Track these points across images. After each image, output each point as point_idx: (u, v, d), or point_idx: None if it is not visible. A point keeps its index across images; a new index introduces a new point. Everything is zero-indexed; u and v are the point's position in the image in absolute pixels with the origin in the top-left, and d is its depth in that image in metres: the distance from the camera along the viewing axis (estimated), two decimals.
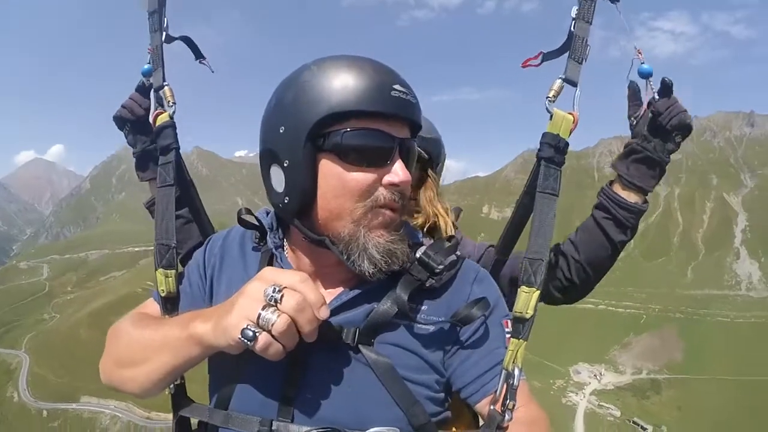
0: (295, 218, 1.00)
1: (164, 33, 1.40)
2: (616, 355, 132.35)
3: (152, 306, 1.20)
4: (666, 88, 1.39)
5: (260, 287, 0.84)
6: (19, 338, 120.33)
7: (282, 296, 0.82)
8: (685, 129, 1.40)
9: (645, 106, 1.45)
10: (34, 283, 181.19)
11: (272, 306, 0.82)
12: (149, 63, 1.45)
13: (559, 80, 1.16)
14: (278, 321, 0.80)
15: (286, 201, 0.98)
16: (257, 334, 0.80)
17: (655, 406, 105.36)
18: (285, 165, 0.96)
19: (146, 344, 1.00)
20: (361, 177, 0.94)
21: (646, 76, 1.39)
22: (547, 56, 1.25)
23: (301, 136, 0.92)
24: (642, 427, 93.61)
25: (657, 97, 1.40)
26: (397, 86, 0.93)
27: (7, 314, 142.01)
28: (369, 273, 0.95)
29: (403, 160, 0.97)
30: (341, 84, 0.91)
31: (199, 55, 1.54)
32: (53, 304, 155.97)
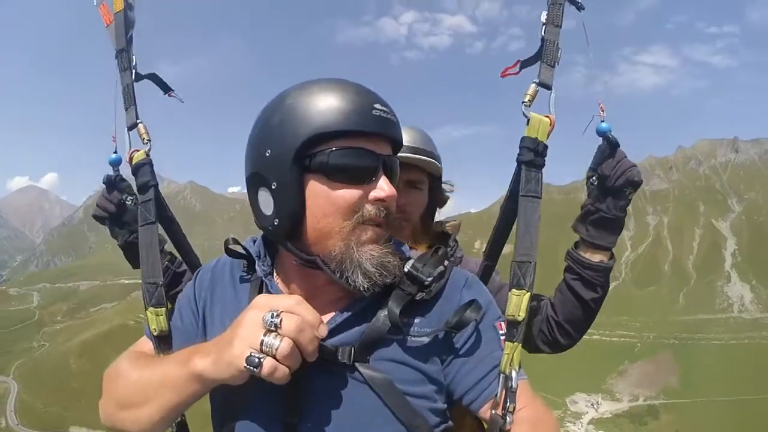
0: (285, 240, 1.01)
1: (133, 71, 1.40)
2: (613, 383, 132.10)
3: (147, 343, 1.20)
4: (612, 147, 1.42)
5: (258, 315, 0.86)
6: (8, 365, 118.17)
7: (281, 320, 0.83)
8: (634, 185, 1.43)
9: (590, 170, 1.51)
10: (24, 310, 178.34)
11: (272, 331, 0.83)
12: (115, 152, 1.46)
13: (534, 84, 1.19)
14: (282, 344, 0.81)
15: (275, 223, 1.00)
16: (262, 360, 0.81)
17: None
18: (273, 187, 0.97)
19: (146, 385, 0.99)
20: (348, 194, 0.96)
21: (602, 133, 1.42)
22: (525, 64, 1.27)
23: (288, 158, 0.94)
24: None
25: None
26: (377, 105, 0.97)
27: None
28: (364, 287, 0.96)
29: (387, 176, 1.00)
30: (325, 105, 0.94)
31: (166, 89, 1.56)
32: (42, 332, 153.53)
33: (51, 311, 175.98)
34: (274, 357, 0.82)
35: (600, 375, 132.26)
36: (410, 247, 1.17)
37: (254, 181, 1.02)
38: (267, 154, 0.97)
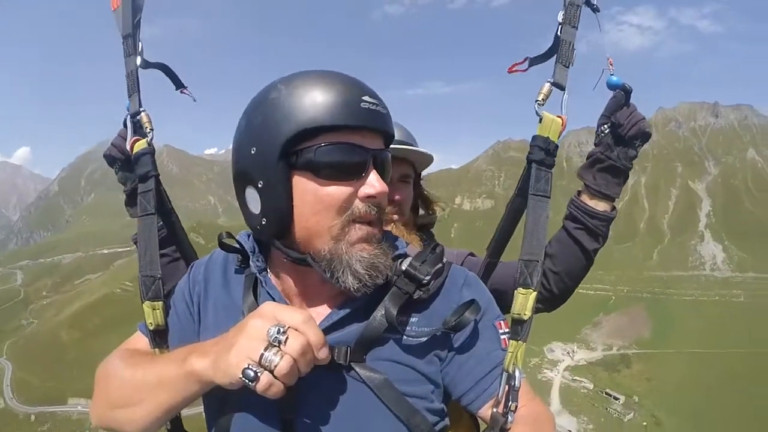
0: (274, 239, 0.99)
1: (139, 58, 1.37)
2: (588, 333, 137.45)
3: (140, 340, 1.17)
4: (627, 97, 1.43)
5: (263, 326, 0.82)
6: None
7: (287, 338, 0.80)
8: (645, 136, 1.45)
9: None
10: (8, 289, 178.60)
11: (275, 347, 0.79)
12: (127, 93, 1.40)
13: (548, 84, 1.18)
14: (282, 363, 0.78)
15: (263, 222, 0.97)
16: (259, 374, 0.78)
17: (626, 379, 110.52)
18: (259, 186, 0.94)
19: (141, 384, 0.96)
20: (337, 191, 0.92)
21: (614, 87, 1.42)
22: (534, 61, 1.27)
23: (274, 156, 0.91)
24: (614, 398, 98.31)
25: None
26: (366, 98, 0.92)
27: None
28: (354, 288, 0.93)
29: (378, 171, 0.96)
30: (310, 100, 0.90)
31: (179, 84, 1.51)
32: (30, 309, 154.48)
33: (36, 287, 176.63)
34: (271, 373, 0.78)
35: (576, 325, 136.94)
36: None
37: (241, 180, 0.99)
38: (252, 152, 0.94)
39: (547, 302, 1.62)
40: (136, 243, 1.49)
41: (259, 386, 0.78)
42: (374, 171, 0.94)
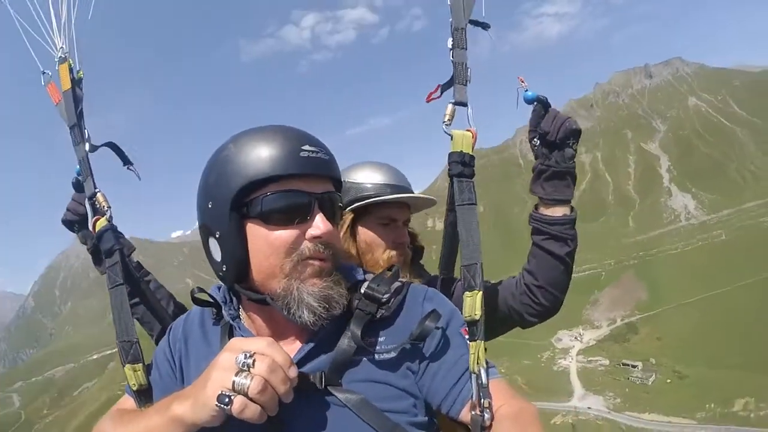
0: (235, 283, 1.06)
1: (87, 143, 1.44)
2: (589, 313, 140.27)
3: (128, 401, 1.23)
4: (545, 106, 1.52)
5: (231, 357, 0.88)
6: None
7: (253, 361, 0.85)
8: (575, 134, 1.51)
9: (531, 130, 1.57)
10: (8, 414, 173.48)
11: (245, 371, 0.85)
12: (81, 178, 1.48)
13: (450, 105, 1.27)
14: (253, 383, 0.83)
15: (224, 269, 1.04)
16: (232, 398, 0.83)
17: (638, 345, 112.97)
18: (217, 236, 1.02)
19: None
20: (285, 234, 0.99)
21: (531, 101, 1.51)
22: (444, 87, 1.33)
23: (226, 209, 0.99)
24: (632, 366, 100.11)
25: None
26: (305, 147, 1.00)
27: None
28: (310, 322, 0.98)
29: (326, 212, 1.02)
30: (255, 155, 0.98)
31: (126, 161, 1.58)
32: (35, 430, 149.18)
33: (35, 407, 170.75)
34: (245, 395, 0.84)
35: (575, 309, 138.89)
36: (365, 271, 1.21)
37: (204, 232, 1.07)
38: (209, 206, 1.03)
39: (541, 315, 1.67)
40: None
41: (234, 408, 0.83)
42: (320, 213, 1.01)
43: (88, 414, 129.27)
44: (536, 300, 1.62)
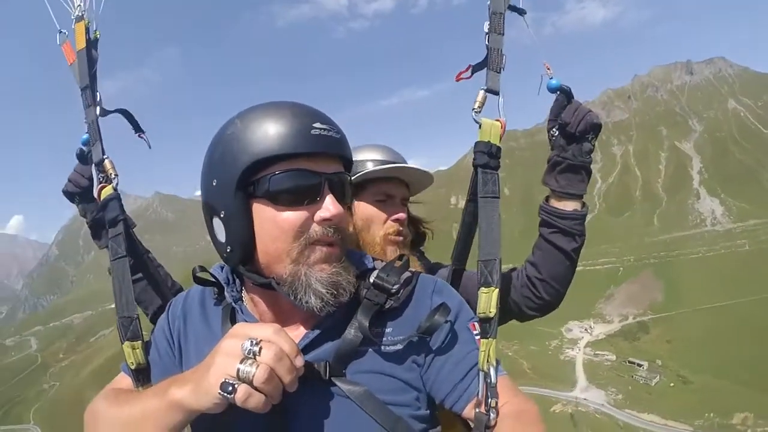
0: (240, 265, 1.03)
1: (99, 107, 1.42)
2: (602, 307, 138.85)
3: (124, 380, 1.19)
4: (568, 97, 1.47)
5: (236, 343, 0.85)
6: (25, 412, 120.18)
7: (260, 348, 0.83)
8: (595, 128, 1.47)
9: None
10: (25, 357, 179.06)
11: (250, 359, 0.82)
12: (87, 132, 1.46)
13: (482, 91, 1.23)
14: (258, 372, 0.81)
15: (229, 250, 1.01)
16: (236, 386, 0.81)
17: (646, 345, 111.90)
18: (222, 216, 0.99)
19: (126, 421, 0.98)
20: (293, 216, 0.96)
21: (554, 90, 1.46)
22: (476, 68, 1.30)
23: (232, 187, 0.96)
24: (638, 364, 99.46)
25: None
26: (317, 125, 0.96)
27: (5, 392, 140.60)
28: (317, 308, 0.96)
29: (336, 194, 0.99)
30: (263, 132, 0.95)
31: (137, 128, 1.56)
32: (50, 373, 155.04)
33: (52, 351, 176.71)
34: (250, 384, 0.81)
35: (589, 302, 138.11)
36: (374, 259, 1.18)
37: (207, 211, 1.04)
38: (214, 185, 0.99)
39: (540, 309, 1.64)
40: (109, 272, 1.52)
41: (238, 397, 0.80)
42: (330, 194, 0.98)
43: (104, 359, 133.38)
44: (537, 293, 1.60)
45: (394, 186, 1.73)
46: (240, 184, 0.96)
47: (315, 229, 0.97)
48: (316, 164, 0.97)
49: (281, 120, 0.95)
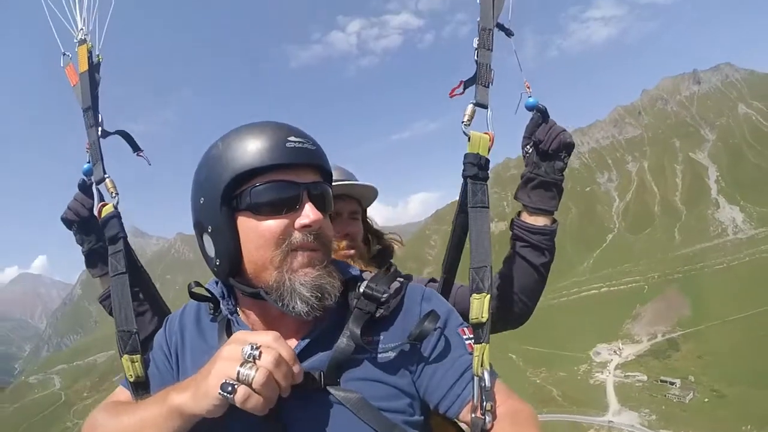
0: (229, 278, 1.06)
1: (100, 128, 1.46)
2: (630, 328, 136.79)
3: (123, 394, 1.21)
4: (543, 116, 1.52)
5: (236, 348, 0.88)
6: None
7: (260, 353, 0.86)
8: (568, 147, 1.52)
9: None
10: (48, 395, 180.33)
11: (250, 362, 0.85)
12: (89, 162, 1.49)
13: (471, 105, 1.27)
14: (258, 374, 0.83)
15: (218, 263, 1.05)
16: (236, 387, 0.83)
17: (678, 362, 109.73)
18: (209, 231, 1.04)
19: (125, 430, 1.00)
20: (274, 224, 0.99)
21: (531, 108, 1.51)
22: (468, 83, 1.33)
23: (217, 202, 1.00)
24: (670, 383, 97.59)
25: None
26: (291, 138, 1.01)
27: (29, 428, 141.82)
28: (304, 313, 0.98)
29: (315, 203, 1.02)
30: (242, 149, 1.00)
31: (136, 148, 1.60)
32: (74, 411, 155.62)
33: (76, 390, 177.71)
34: (249, 386, 0.84)
35: (616, 323, 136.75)
36: (362, 270, 1.22)
37: (198, 228, 1.08)
38: (201, 202, 1.04)
39: (509, 322, 1.67)
40: (102, 302, 1.58)
41: (237, 397, 0.83)
42: (309, 203, 1.01)
43: None
44: (506, 306, 1.62)
45: (341, 203, 1.81)
46: (224, 199, 1.00)
47: (296, 236, 1.00)
48: (295, 175, 1.01)
49: (258, 136, 1.00)
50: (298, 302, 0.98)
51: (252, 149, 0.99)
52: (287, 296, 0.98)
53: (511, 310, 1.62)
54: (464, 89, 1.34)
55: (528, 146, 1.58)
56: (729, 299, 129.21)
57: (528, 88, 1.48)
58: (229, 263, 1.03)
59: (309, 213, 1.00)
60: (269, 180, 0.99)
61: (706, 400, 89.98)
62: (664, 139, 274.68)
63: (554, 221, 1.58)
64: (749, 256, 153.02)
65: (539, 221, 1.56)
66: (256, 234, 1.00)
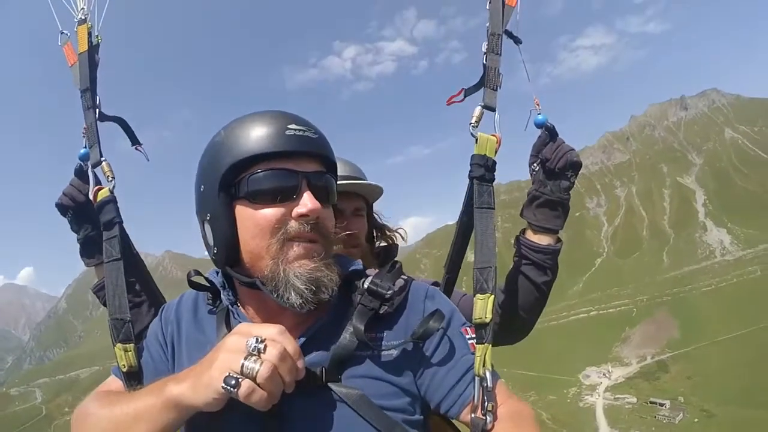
0: (226, 266, 1.05)
1: (97, 111, 1.43)
2: (619, 350, 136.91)
3: (114, 383, 1.18)
4: (551, 134, 1.52)
5: (241, 340, 0.86)
6: None
7: (265, 346, 0.84)
8: (575, 166, 1.51)
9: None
10: (29, 408, 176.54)
11: (254, 355, 0.83)
12: (85, 147, 1.45)
13: (479, 107, 1.28)
14: (262, 368, 0.82)
15: (215, 251, 1.04)
16: (240, 380, 0.81)
17: (667, 383, 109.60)
18: (208, 218, 1.03)
19: (118, 421, 0.95)
20: (270, 213, 0.98)
21: (540, 126, 1.51)
22: (469, 91, 1.34)
23: (215, 189, 1.00)
24: (659, 404, 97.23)
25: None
26: (292, 125, 0.99)
27: None
28: (297, 305, 0.96)
29: (315, 193, 1.00)
30: (242, 137, 0.99)
31: (134, 141, 1.56)
32: (54, 425, 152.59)
33: (57, 404, 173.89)
34: (253, 380, 0.82)
35: (605, 346, 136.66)
36: (366, 266, 1.19)
37: (199, 216, 1.08)
38: (202, 190, 1.04)
39: (508, 338, 1.67)
40: (96, 293, 1.53)
41: (241, 391, 0.81)
42: (308, 192, 0.99)
43: None
44: (506, 322, 1.61)
45: (344, 200, 1.77)
46: (222, 186, 0.99)
47: (292, 225, 0.98)
48: (295, 163, 0.99)
49: (258, 124, 1.00)
50: (293, 294, 0.96)
51: (251, 136, 0.98)
52: (282, 287, 0.96)
53: (511, 325, 1.63)
54: (465, 97, 1.34)
55: (535, 164, 1.57)
56: (717, 320, 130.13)
57: (538, 105, 1.48)
58: (226, 252, 1.02)
59: (307, 202, 0.98)
60: (267, 168, 0.98)
61: (696, 420, 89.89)
62: (652, 164, 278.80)
63: (558, 240, 1.57)
64: (737, 278, 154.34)
65: (543, 240, 1.55)
66: (253, 222, 0.99)
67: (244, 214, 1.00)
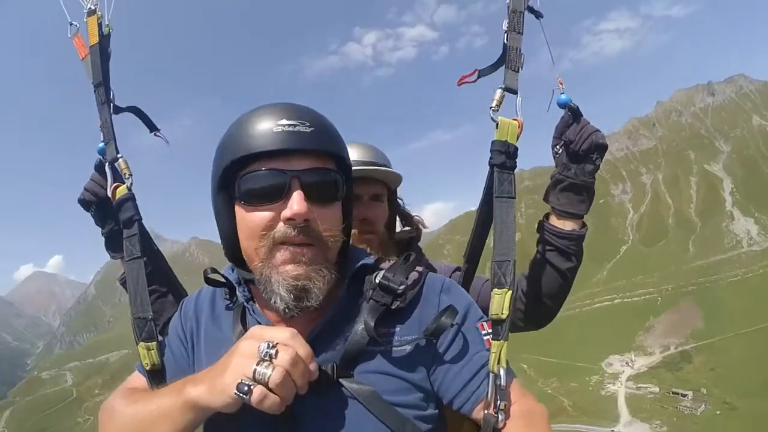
0: (230, 262, 1.08)
1: (112, 105, 1.39)
2: (642, 339, 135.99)
3: (139, 379, 1.20)
4: (575, 114, 1.46)
5: (253, 345, 0.87)
6: None
7: (276, 351, 0.85)
8: (600, 148, 1.46)
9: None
10: (60, 390, 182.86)
11: (266, 361, 0.84)
12: (103, 141, 1.41)
13: (500, 90, 1.21)
14: (274, 374, 0.82)
15: (223, 246, 1.06)
16: (252, 387, 0.82)
17: (690, 374, 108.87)
18: (215, 214, 1.06)
19: (141, 418, 0.99)
20: (258, 216, 0.97)
21: (563, 105, 1.45)
22: (483, 72, 1.29)
23: (215, 189, 1.02)
24: (682, 395, 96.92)
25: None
26: (282, 121, 0.95)
27: (39, 422, 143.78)
28: (281, 310, 0.97)
29: (309, 192, 0.97)
30: (238, 135, 0.98)
31: (152, 127, 1.55)
32: (84, 407, 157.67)
33: (87, 386, 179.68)
34: (265, 386, 0.83)
35: (628, 335, 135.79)
36: (380, 258, 1.18)
37: (213, 208, 1.08)
38: (210, 184, 1.05)
39: (532, 324, 1.65)
40: (123, 284, 1.51)
41: (254, 398, 0.82)
42: (299, 192, 0.95)
43: None
44: (530, 308, 1.59)
45: (362, 185, 1.73)
46: (221, 186, 1.01)
47: (280, 228, 0.96)
48: (284, 162, 0.96)
49: (248, 123, 0.98)
50: (278, 300, 0.96)
51: (243, 136, 0.97)
52: (269, 291, 0.97)
53: (535, 312, 1.60)
54: (478, 77, 1.29)
55: (558, 146, 1.53)
56: (743, 312, 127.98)
57: (561, 84, 1.42)
58: (227, 247, 1.05)
59: (294, 204, 0.94)
60: (257, 168, 0.96)
61: (718, 412, 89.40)
62: (679, 150, 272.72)
63: (583, 225, 1.53)
64: (763, 269, 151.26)
65: (567, 225, 1.51)
66: (245, 224, 0.99)
67: (239, 214, 1.01)
